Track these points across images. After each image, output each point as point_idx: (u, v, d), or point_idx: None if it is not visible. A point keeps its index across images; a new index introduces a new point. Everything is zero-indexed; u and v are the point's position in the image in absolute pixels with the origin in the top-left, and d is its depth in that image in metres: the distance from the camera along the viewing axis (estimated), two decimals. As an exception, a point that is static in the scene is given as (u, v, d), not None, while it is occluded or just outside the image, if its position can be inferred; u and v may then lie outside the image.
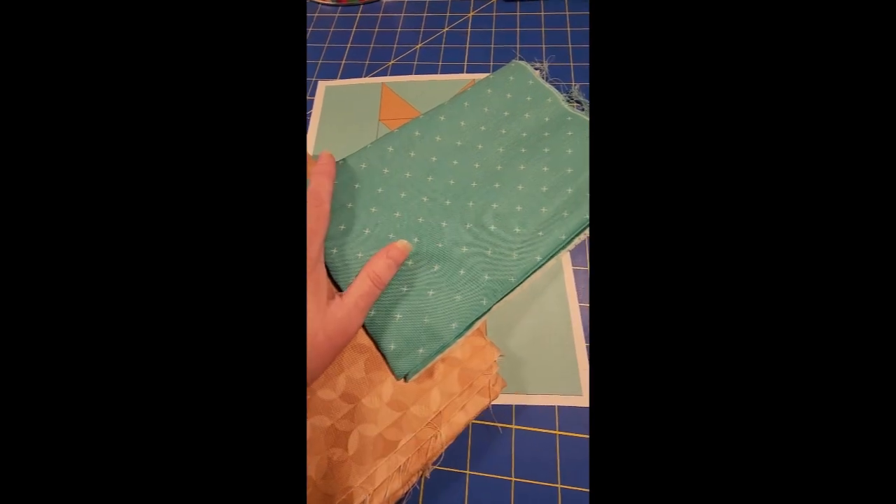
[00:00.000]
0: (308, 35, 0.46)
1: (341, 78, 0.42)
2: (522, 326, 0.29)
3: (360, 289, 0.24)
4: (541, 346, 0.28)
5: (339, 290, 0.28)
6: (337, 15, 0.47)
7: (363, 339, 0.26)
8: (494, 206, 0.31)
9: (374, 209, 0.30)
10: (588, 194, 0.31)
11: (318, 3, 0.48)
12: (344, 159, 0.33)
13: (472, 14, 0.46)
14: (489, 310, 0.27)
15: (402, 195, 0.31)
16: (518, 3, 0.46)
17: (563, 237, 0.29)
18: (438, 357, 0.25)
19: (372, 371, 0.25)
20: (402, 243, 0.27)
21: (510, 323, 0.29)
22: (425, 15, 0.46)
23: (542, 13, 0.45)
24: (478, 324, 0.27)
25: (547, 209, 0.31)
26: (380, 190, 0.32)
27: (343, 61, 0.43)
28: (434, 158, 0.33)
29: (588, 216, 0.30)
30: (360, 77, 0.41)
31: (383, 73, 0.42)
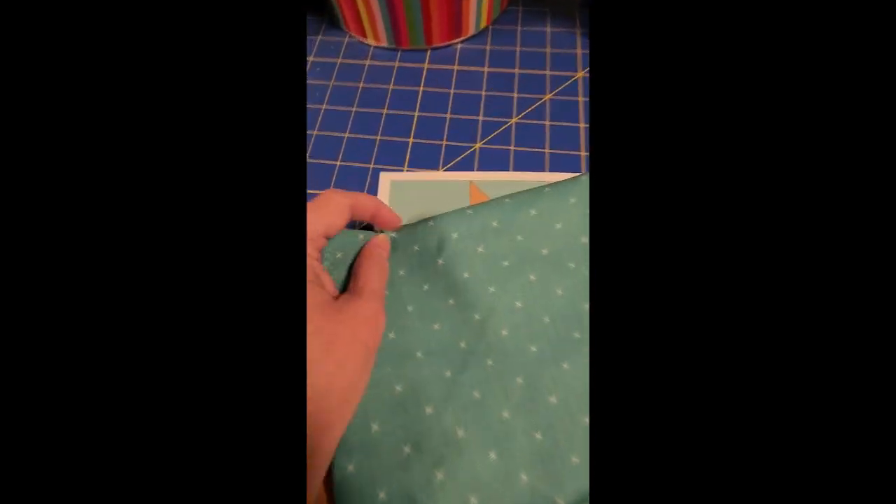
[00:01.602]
0: (360, 94, 0.34)
1: (409, 169, 0.30)
2: None
3: (371, 279, 0.21)
4: None
5: None
6: (396, 64, 0.35)
7: None
8: (504, 332, 0.23)
9: (410, 308, 0.24)
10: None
11: (371, 46, 0.36)
12: (400, 229, 0.26)
13: (548, 97, 0.34)
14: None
15: (451, 301, 0.24)
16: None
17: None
18: None
19: None
20: (383, 239, 0.24)
21: None
22: (517, 71, 0.35)
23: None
24: None
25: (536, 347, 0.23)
26: (426, 287, 0.25)
27: (410, 139, 0.31)
28: (505, 263, 0.25)
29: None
30: (437, 169, 0.30)
31: (467, 165, 0.30)
